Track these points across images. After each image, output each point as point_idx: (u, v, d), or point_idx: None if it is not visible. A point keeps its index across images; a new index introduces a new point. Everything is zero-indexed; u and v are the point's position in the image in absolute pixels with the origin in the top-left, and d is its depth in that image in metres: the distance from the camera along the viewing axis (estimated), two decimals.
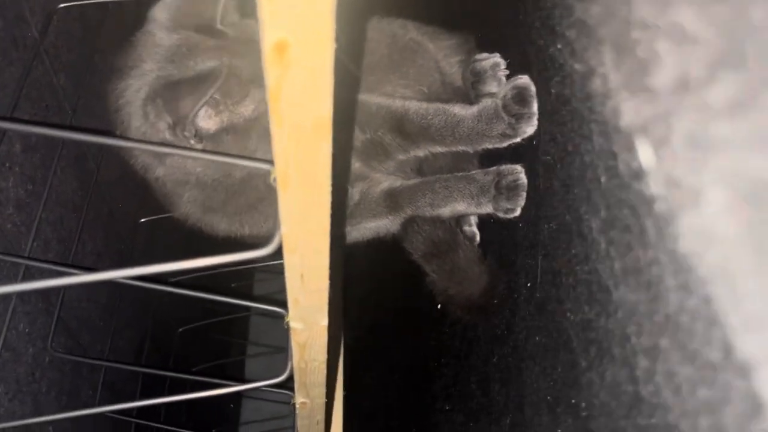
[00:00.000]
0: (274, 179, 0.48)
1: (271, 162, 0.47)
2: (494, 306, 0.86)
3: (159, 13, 0.88)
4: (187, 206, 0.94)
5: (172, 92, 0.81)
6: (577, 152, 0.64)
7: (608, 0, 0.56)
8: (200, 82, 0.80)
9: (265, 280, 2.84)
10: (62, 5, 1.16)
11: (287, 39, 0.37)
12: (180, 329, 2.22)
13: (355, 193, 0.95)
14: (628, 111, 0.52)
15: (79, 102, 1.26)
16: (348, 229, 0.96)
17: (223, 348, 3.16)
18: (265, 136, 0.85)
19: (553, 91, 0.72)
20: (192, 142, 0.82)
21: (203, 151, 0.79)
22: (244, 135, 0.85)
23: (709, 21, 0.42)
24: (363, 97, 0.92)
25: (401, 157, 0.93)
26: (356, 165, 0.95)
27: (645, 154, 0.49)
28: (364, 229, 0.97)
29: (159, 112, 0.82)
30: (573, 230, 0.65)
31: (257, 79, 0.81)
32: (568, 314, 0.65)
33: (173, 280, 1.40)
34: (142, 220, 1.70)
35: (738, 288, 0.39)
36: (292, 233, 0.52)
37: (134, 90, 0.85)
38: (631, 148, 0.50)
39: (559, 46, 0.68)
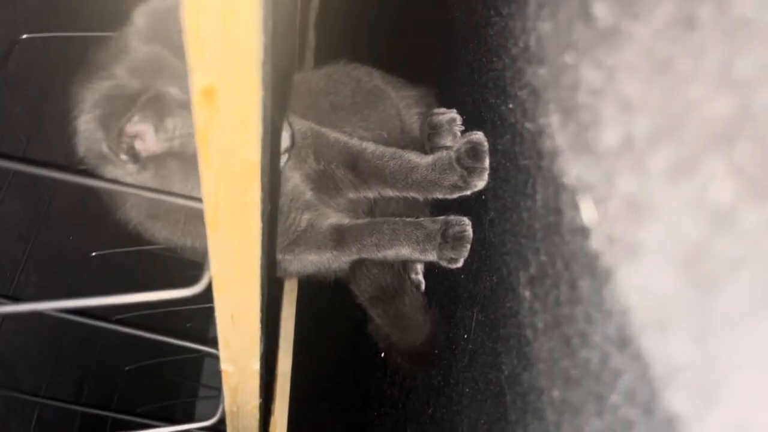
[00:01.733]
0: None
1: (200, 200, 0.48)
2: (434, 356, 0.86)
3: (138, 18, 0.87)
4: (131, 211, 0.92)
5: (114, 106, 0.80)
6: (517, 208, 0.66)
7: (556, 64, 0.58)
8: (161, 110, 0.80)
9: None
10: (26, 36, 1.17)
11: (215, 84, 0.38)
12: (127, 368, 2.16)
13: (303, 221, 0.95)
14: (573, 170, 0.54)
15: (33, 132, 1.25)
16: (290, 257, 0.95)
17: (174, 389, 3.07)
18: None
19: (500, 148, 0.75)
20: (123, 158, 0.81)
21: (136, 186, 0.79)
22: (191, 163, 0.85)
23: (651, 91, 0.44)
24: (322, 129, 0.94)
25: (351, 195, 0.94)
26: (308, 194, 0.96)
27: (588, 211, 0.50)
28: (306, 260, 0.97)
29: (97, 122, 0.82)
30: (507, 284, 0.66)
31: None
32: (502, 367, 0.66)
33: (119, 317, 1.37)
34: (94, 253, 1.67)
35: (669, 343, 0.40)
36: (221, 274, 0.53)
37: (92, 91, 0.84)
38: (574, 206, 0.52)
39: (510, 106, 0.71)
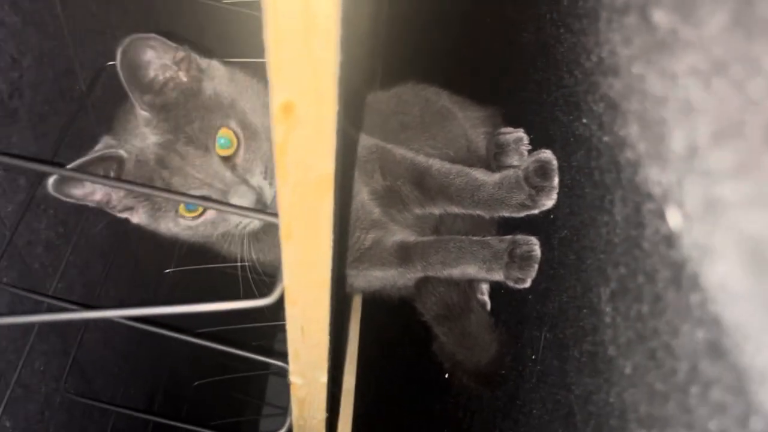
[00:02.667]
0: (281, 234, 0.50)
1: (277, 215, 0.50)
2: (500, 376, 0.85)
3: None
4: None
5: (81, 166, 0.82)
6: (594, 224, 0.65)
7: (630, 74, 0.58)
8: (118, 169, 0.85)
9: (286, 341, 2.83)
10: (111, 63, 1.24)
11: (293, 100, 0.40)
12: (196, 383, 2.22)
13: (368, 239, 0.96)
14: (655, 178, 0.53)
15: None
16: (354, 273, 0.97)
17: (239, 406, 3.13)
18: (171, 222, 0.89)
19: (574, 164, 0.74)
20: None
21: (221, 203, 0.81)
22: (153, 212, 0.90)
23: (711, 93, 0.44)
24: (388, 146, 0.95)
25: (417, 211, 0.95)
26: (376, 211, 0.97)
27: (673, 219, 0.49)
28: (371, 276, 0.97)
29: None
30: (581, 302, 0.65)
31: (157, 175, 0.85)
32: (572, 387, 0.64)
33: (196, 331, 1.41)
34: (167, 270, 1.74)
35: (765, 351, 0.39)
36: (294, 285, 0.54)
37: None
38: (658, 215, 0.51)
39: (584, 121, 0.70)
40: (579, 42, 0.70)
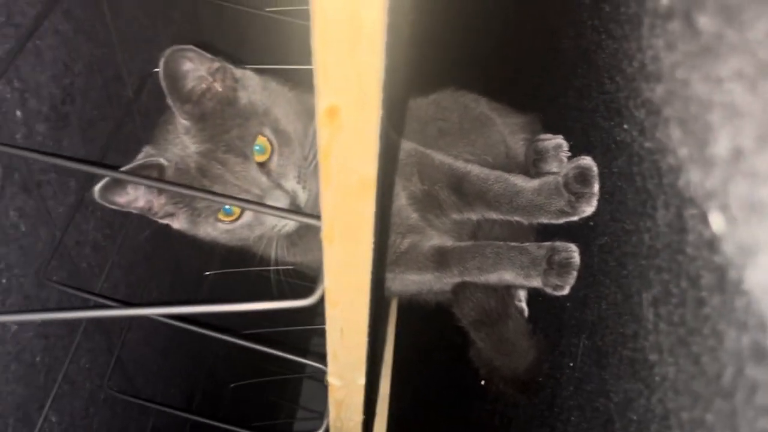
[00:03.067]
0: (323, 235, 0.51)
1: (319, 218, 0.51)
2: (538, 383, 0.85)
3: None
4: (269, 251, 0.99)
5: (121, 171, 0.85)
6: (637, 230, 0.64)
7: (672, 79, 0.58)
8: (158, 176, 0.87)
9: (321, 345, 2.86)
10: (156, 70, 1.27)
11: (338, 104, 0.41)
12: (232, 385, 2.25)
13: (404, 243, 0.97)
14: (696, 183, 0.53)
15: None
16: (391, 276, 0.97)
17: (274, 409, 3.16)
18: (210, 227, 0.91)
19: (615, 171, 0.74)
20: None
21: (264, 205, 0.83)
22: (194, 218, 0.92)
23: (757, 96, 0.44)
24: (427, 151, 0.96)
25: (455, 216, 0.95)
26: (413, 216, 0.97)
27: (717, 222, 0.49)
28: (407, 280, 0.98)
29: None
30: (621, 309, 0.65)
31: (198, 182, 0.87)
32: (610, 394, 0.64)
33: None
34: (207, 273, 1.77)
35: None
36: (334, 286, 0.55)
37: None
38: (701, 219, 0.51)
39: (625, 127, 0.70)
40: (621, 48, 0.70)
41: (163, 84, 0.84)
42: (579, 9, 0.83)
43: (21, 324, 0.87)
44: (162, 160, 0.88)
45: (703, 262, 0.49)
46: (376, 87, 0.40)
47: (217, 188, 0.87)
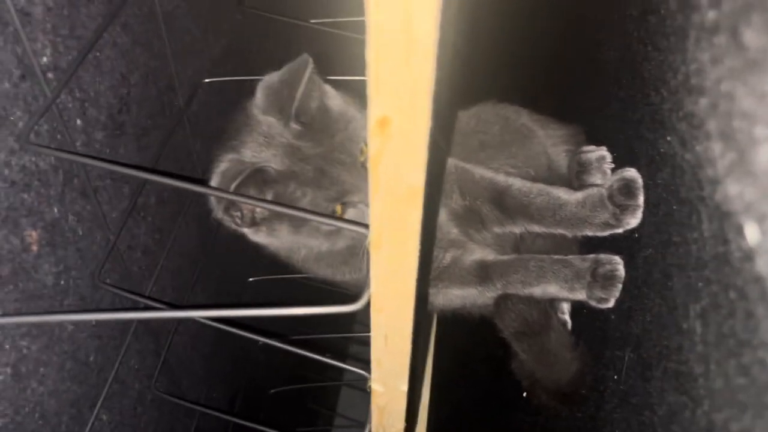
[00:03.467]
0: (369, 243, 0.52)
1: (367, 226, 0.52)
2: (581, 395, 0.84)
3: (259, 90, 0.94)
4: (297, 254, 1.00)
5: (227, 182, 0.85)
6: (683, 242, 0.64)
7: (715, 93, 0.58)
8: (262, 183, 0.86)
9: (360, 353, 2.88)
10: (207, 80, 1.32)
11: (389, 115, 0.42)
12: (272, 391, 2.28)
13: (446, 257, 0.97)
14: (736, 195, 0.53)
15: (209, 166, 1.39)
16: (434, 291, 0.98)
17: (312, 416, 3.18)
18: (315, 232, 0.91)
19: (659, 182, 0.73)
20: (240, 223, 0.89)
21: (307, 211, 0.84)
22: (298, 226, 0.92)
23: None
24: (467, 166, 0.96)
25: (497, 230, 0.95)
26: (454, 231, 0.98)
27: (753, 234, 0.49)
28: (451, 295, 0.98)
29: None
30: (668, 321, 0.64)
31: (315, 183, 0.87)
32: (655, 407, 0.63)
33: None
34: (251, 279, 1.80)
35: None
36: (380, 293, 0.56)
37: (218, 162, 0.93)
38: (740, 231, 0.51)
39: (668, 139, 0.70)
40: (666, 60, 0.70)
41: (281, 91, 0.88)
42: (625, 21, 0.83)
43: (77, 324, 0.91)
44: (269, 167, 0.88)
45: (750, 275, 0.48)
46: (427, 98, 0.41)
47: (336, 188, 0.88)
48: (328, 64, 1.11)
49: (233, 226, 0.91)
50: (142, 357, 1.15)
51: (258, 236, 0.94)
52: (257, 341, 1.03)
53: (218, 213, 0.91)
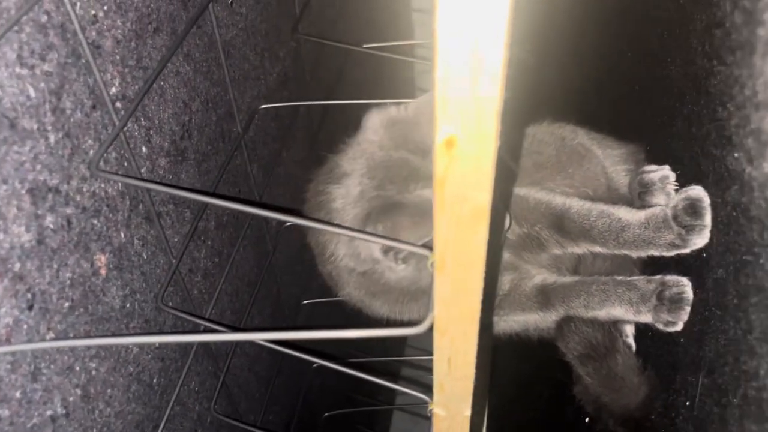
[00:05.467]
0: (432, 264, 0.52)
1: (431, 248, 0.52)
2: (650, 422, 0.81)
3: (374, 123, 0.95)
4: (353, 290, 1.01)
5: (395, 221, 0.85)
6: (756, 262, 0.62)
7: None
8: (424, 215, 0.84)
9: (411, 377, 2.86)
10: (263, 106, 1.35)
11: (456, 135, 0.42)
12: (326, 414, 2.28)
13: (505, 282, 0.95)
14: None
15: (266, 190, 1.42)
16: (495, 319, 0.96)
17: None
18: None
19: (729, 200, 0.71)
20: (399, 263, 0.88)
21: (373, 234, 0.84)
22: None
23: None
24: (522, 191, 0.94)
25: (557, 251, 0.93)
26: (506, 255, 0.96)
27: None
28: (512, 321, 0.96)
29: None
30: (744, 344, 0.61)
31: None
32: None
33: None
34: (305, 302, 1.82)
35: None
36: (444, 315, 0.55)
37: (350, 200, 0.92)
38: None
39: (736, 155, 0.67)
40: (732, 75, 0.68)
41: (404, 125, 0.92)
42: (688, 35, 0.81)
43: (141, 346, 0.93)
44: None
45: None
46: (495, 118, 0.41)
47: None
48: (380, 88, 1.13)
49: (393, 265, 0.90)
50: (202, 379, 1.17)
51: (406, 271, 0.93)
52: (311, 364, 1.04)
53: (375, 253, 0.90)
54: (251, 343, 1.37)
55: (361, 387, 2.60)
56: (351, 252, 0.93)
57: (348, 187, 0.92)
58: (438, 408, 0.69)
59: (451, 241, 0.49)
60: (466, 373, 0.62)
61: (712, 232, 0.77)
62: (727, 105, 0.69)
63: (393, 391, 2.67)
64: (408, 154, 0.91)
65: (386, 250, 0.87)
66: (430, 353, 0.60)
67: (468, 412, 0.68)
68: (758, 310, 0.60)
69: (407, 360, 2.87)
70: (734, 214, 0.69)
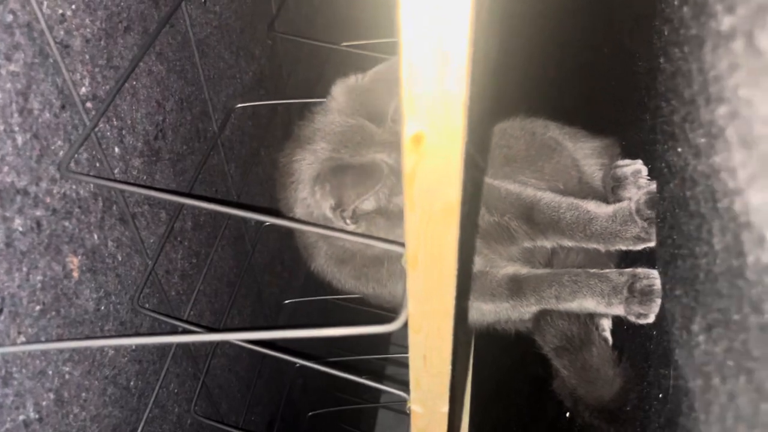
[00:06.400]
0: (405, 261, 0.52)
1: (403, 244, 0.52)
2: (625, 414, 0.81)
3: (338, 93, 0.96)
4: (323, 259, 1.00)
5: (340, 180, 0.87)
6: (692, 255, 0.62)
7: (734, 101, 0.56)
8: (366, 176, 0.86)
9: (397, 374, 2.86)
10: (239, 105, 1.34)
11: (423, 131, 0.42)
12: (309, 413, 2.28)
13: (476, 264, 0.95)
14: (755, 205, 0.51)
15: (244, 190, 1.41)
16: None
17: None
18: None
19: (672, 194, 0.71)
20: (348, 222, 0.89)
21: (345, 231, 0.84)
22: (396, 221, 0.91)
23: None
24: (494, 181, 0.94)
25: (527, 244, 0.93)
26: (479, 245, 0.96)
27: None
28: (483, 309, 0.96)
29: (325, 194, 0.89)
30: (678, 338, 0.62)
31: None
32: (701, 427, 0.61)
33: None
34: (286, 301, 1.81)
35: None
36: (417, 312, 0.55)
37: (307, 163, 0.93)
38: (761, 242, 0.49)
39: (679, 150, 0.68)
40: (680, 70, 0.68)
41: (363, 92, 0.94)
42: (651, 30, 0.82)
43: (117, 349, 0.92)
44: (382, 161, 0.89)
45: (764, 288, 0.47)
46: (462, 113, 0.41)
47: None
48: None
49: (341, 224, 0.90)
50: (181, 381, 1.16)
51: (360, 229, 0.93)
52: (294, 364, 1.03)
53: (326, 211, 0.90)
54: (231, 344, 1.36)
55: (346, 386, 2.60)
56: (307, 213, 0.93)
57: (308, 151, 0.94)
58: (415, 405, 0.69)
59: (422, 237, 0.49)
60: (442, 370, 0.63)
61: (675, 223, 0.78)
62: (672, 101, 0.70)
63: (378, 389, 2.68)
64: (363, 120, 0.91)
65: (334, 208, 0.87)
66: None
67: (445, 409, 0.68)
68: (686, 303, 0.61)
69: (391, 358, 2.87)
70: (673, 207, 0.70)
